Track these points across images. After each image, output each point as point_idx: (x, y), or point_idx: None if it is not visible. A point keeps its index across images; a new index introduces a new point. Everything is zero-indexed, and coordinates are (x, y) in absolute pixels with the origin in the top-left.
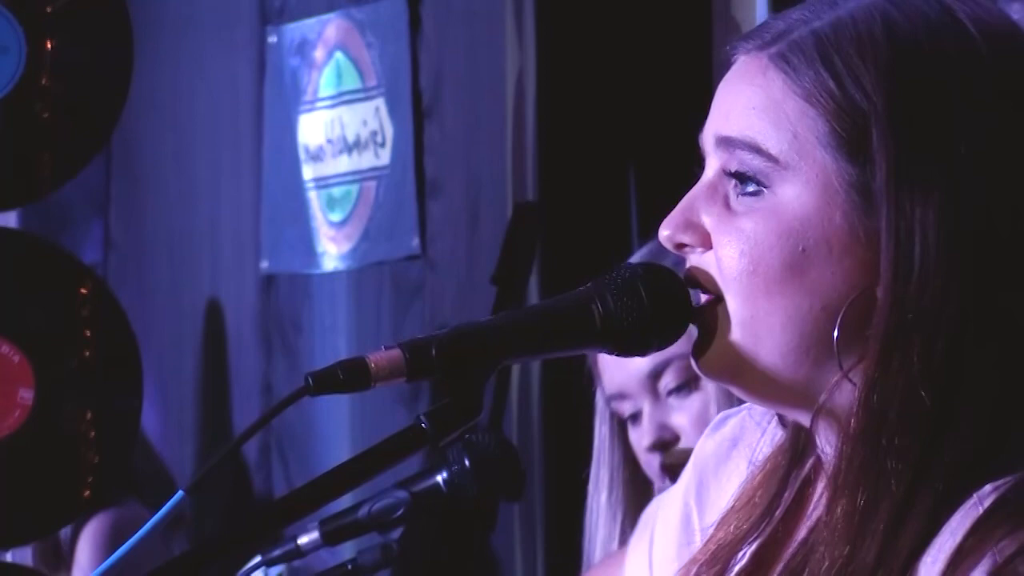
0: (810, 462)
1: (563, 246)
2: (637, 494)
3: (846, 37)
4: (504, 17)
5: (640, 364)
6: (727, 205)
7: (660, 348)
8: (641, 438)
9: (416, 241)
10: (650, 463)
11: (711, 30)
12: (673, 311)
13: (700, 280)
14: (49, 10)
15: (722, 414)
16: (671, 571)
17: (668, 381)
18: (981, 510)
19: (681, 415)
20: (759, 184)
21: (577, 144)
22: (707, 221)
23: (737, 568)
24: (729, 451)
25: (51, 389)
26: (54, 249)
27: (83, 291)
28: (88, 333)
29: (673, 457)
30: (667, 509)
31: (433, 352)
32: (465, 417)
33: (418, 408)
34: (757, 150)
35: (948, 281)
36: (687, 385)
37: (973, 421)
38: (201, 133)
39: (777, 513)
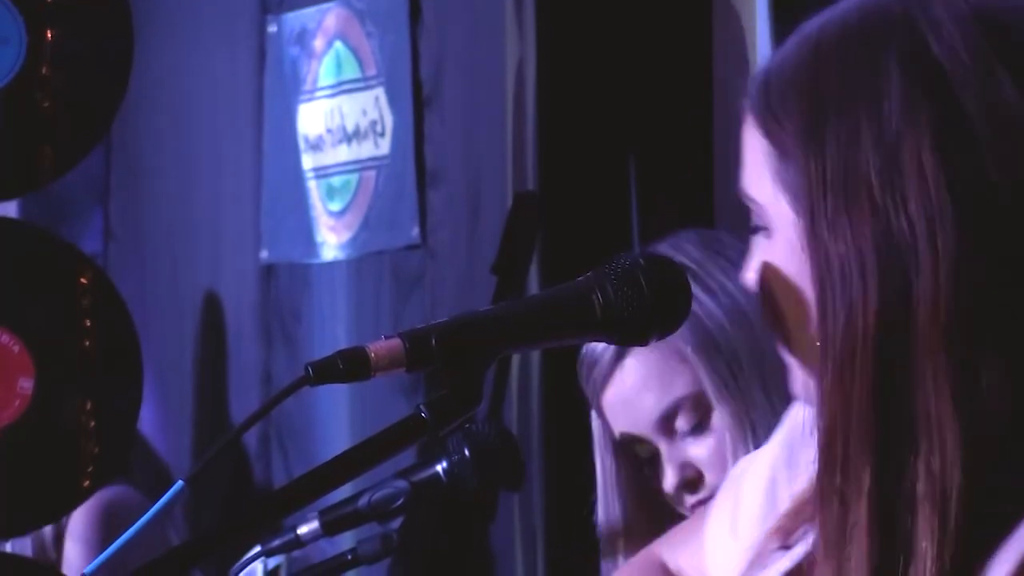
0: None
1: (563, 236)
2: (656, 519)
3: (785, 71)
4: (504, 6)
5: (650, 408)
6: (759, 246)
7: (660, 337)
8: (664, 480)
9: (416, 231)
10: (681, 501)
11: (711, 20)
12: (673, 302)
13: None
14: (49, 0)
15: None
16: (756, 532)
17: (683, 423)
18: None
19: (699, 449)
20: (765, 229)
21: (577, 134)
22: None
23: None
24: None
25: (51, 379)
26: (54, 239)
27: (83, 281)
28: (88, 323)
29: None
30: (754, 470)
31: (433, 342)
32: (465, 407)
33: (418, 398)
34: (749, 198)
35: (867, 300)
36: (700, 424)
37: (936, 436)
38: (201, 123)
39: None
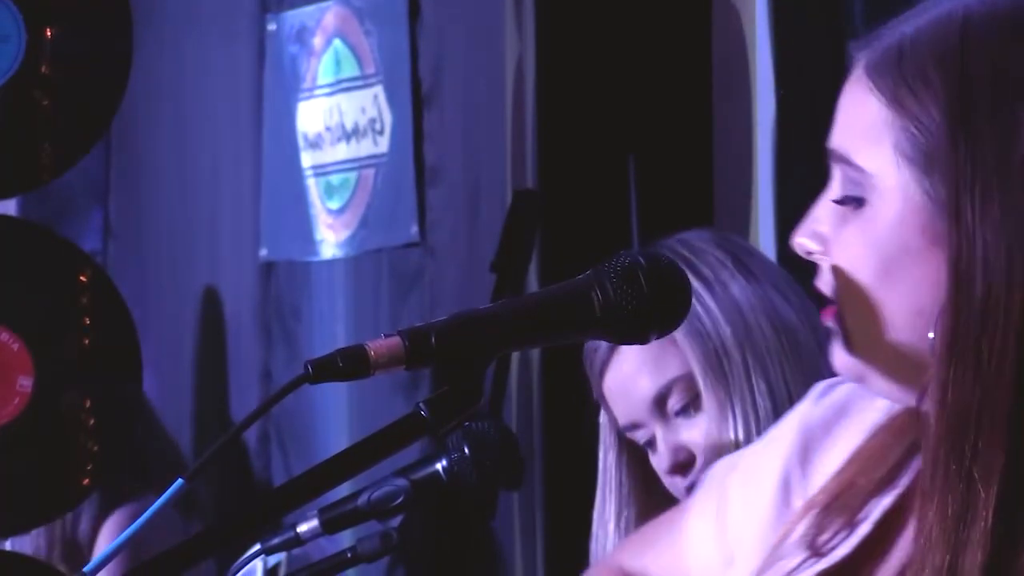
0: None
1: (563, 234)
2: (651, 516)
3: (924, 43)
4: (503, 5)
5: (645, 391)
6: (842, 215)
7: (659, 336)
8: (660, 463)
9: (415, 229)
10: (674, 485)
11: (711, 19)
12: (672, 299)
13: (824, 287)
14: None
15: (829, 381)
16: (764, 529)
17: (674, 403)
18: None
19: (691, 432)
20: (857, 199)
21: (577, 132)
22: (825, 230)
23: (862, 534)
24: (837, 418)
25: (50, 377)
26: (54, 237)
27: (82, 279)
28: (87, 321)
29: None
30: (750, 470)
31: (432, 340)
32: (465, 405)
33: (417, 396)
34: (850, 163)
35: (1011, 285)
36: (691, 404)
37: None
38: (200, 121)
39: (899, 488)
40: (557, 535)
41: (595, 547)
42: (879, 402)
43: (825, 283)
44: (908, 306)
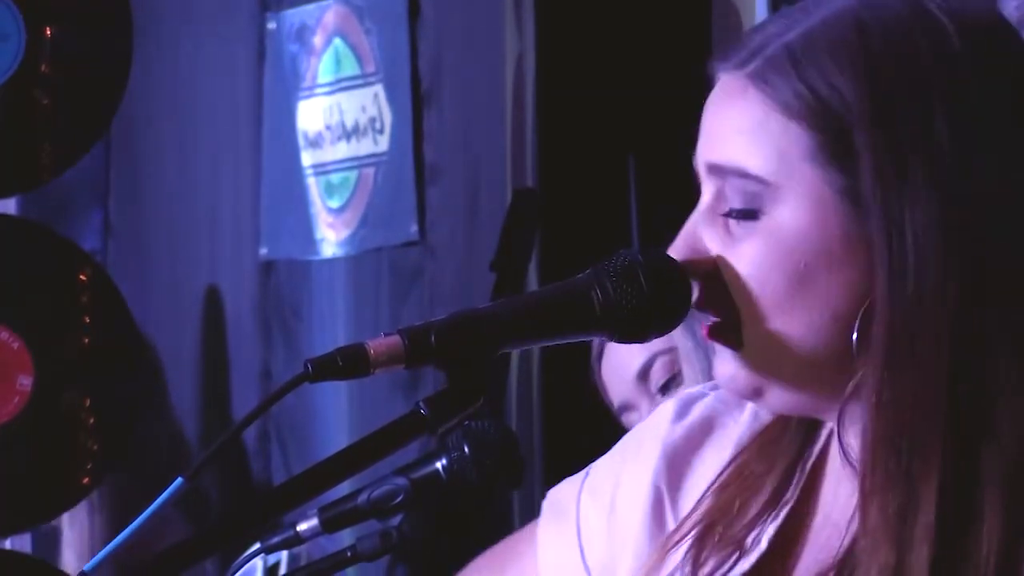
0: (817, 448)
1: (562, 232)
2: None
3: (819, 46)
4: (503, 3)
5: (631, 369)
6: (727, 230)
7: (660, 335)
8: None
9: (415, 227)
10: None
11: (711, 17)
12: (672, 298)
13: (714, 302)
14: None
15: (683, 398)
16: (638, 554)
17: (656, 378)
18: None
19: None
20: (751, 212)
21: (577, 131)
22: (712, 247)
23: (756, 555)
24: (702, 438)
25: (50, 376)
26: (54, 236)
27: (83, 278)
28: (87, 320)
29: None
30: (604, 494)
31: (432, 339)
32: (464, 404)
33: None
34: (746, 175)
35: (946, 279)
36: (673, 380)
37: (1010, 412)
38: (200, 120)
39: (792, 501)
40: None
41: None
42: (743, 415)
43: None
44: (825, 313)
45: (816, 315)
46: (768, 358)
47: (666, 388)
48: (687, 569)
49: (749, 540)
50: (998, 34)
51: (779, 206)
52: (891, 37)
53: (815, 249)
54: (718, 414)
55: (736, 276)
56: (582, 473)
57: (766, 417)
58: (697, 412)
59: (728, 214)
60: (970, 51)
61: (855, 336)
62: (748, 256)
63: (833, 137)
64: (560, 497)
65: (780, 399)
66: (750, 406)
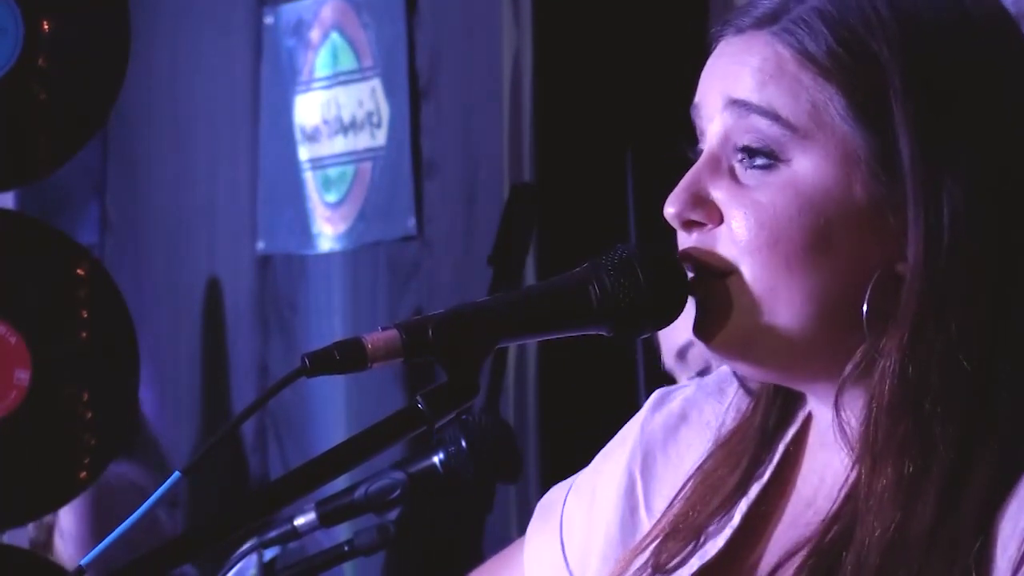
0: (794, 428)
1: (560, 227)
2: None
3: (852, 13)
4: None
5: (673, 341)
6: (735, 178)
7: (656, 329)
8: None
9: (412, 222)
10: None
11: (708, 11)
12: (670, 292)
13: (699, 258)
14: None
15: (662, 390)
16: (610, 539)
17: (694, 362)
18: None
19: None
20: (772, 156)
21: (574, 124)
22: (717, 196)
23: (729, 532)
24: (678, 427)
25: (48, 370)
26: (51, 230)
27: (80, 272)
28: (85, 314)
29: None
30: (586, 488)
31: (430, 333)
32: (461, 398)
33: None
34: (776, 117)
35: (981, 247)
36: (709, 370)
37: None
38: (198, 114)
39: (765, 477)
40: None
41: None
42: (723, 404)
43: (703, 254)
44: (838, 272)
45: (828, 274)
46: (766, 314)
47: (703, 374)
48: (649, 565)
49: (712, 526)
50: (1009, 17)
51: (804, 157)
52: (921, 12)
53: (837, 209)
54: (697, 402)
55: (749, 226)
56: (573, 476)
57: (745, 406)
58: (676, 401)
59: (741, 161)
60: (992, 25)
61: (866, 304)
62: (765, 204)
63: (869, 98)
64: (551, 499)
65: (768, 361)
66: (731, 394)
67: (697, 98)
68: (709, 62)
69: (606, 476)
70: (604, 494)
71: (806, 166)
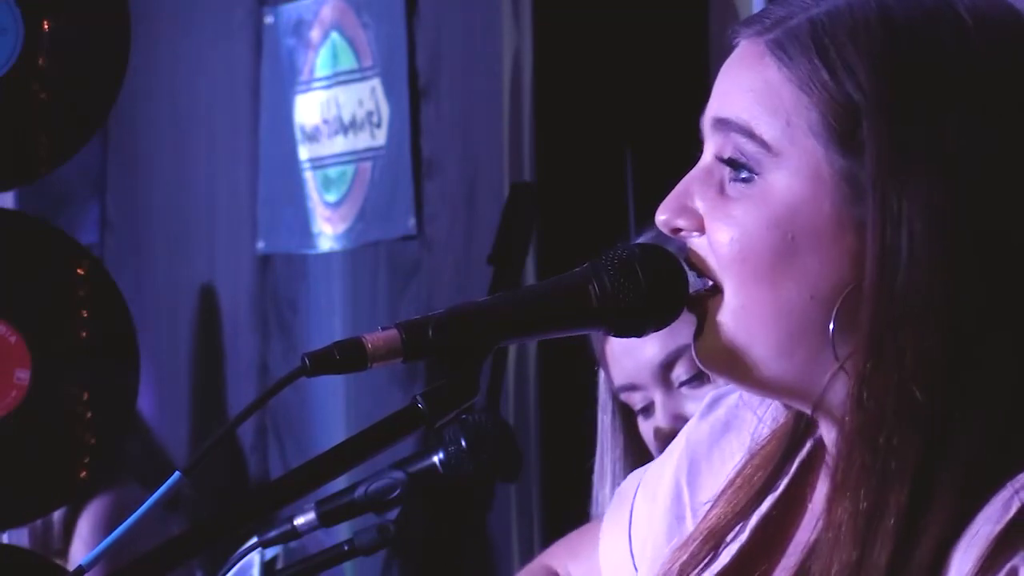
0: (809, 445)
1: (560, 226)
2: None
3: (841, 26)
4: None
5: (652, 355)
6: (721, 190)
7: (657, 329)
8: (652, 428)
9: (412, 221)
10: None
11: (708, 12)
12: (670, 292)
13: (697, 265)
14: None
15: (714, 395)
16: (658, 545)
17: (680, 372)
18: (1019, 500)
19: (695, 404)
20: (750, 171)
21: (574, 124)
22: (701, 206)
23: (737, 546)
24: (722, 433)
25: (47, 369)
26: (51, 230)
27: (80, 271)
28: (85, 313)
29: None
30: (651, 486)
31: (430, 332)
32: (461, 398)
33: (415, 389)
34: (750, 134)
35: (938, 276)
36: (699, 376)
37: (984, 416)
38: (198, 114)
39: (778, 491)
40: (554, 527)
41: (595, 508)
42: (765, 412)
43: (699, 261)
44: (804, 291)
45: (795, 292)
46: (742, 331)
47: (691, 382)
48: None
49: (731, 537)
50: (1015, 30)
51: (776, 174)
52: (914, 28)
53: (804, 223)
54: (739, 414)
55: (721, 239)
56: (646, 466)
57: (781, 417)
58: (721, 410)
59: (728, 173)
60: (989, 51)
61: (832, 322)
62: (737, 218)
63: (842, 118)
64: (625, 489)
65: (750, 378)
66: (772, 405)
67: (704, 113)
68: (722, 69)
69: (664, 480)
70: (660, 499)
71: (779, 182)
